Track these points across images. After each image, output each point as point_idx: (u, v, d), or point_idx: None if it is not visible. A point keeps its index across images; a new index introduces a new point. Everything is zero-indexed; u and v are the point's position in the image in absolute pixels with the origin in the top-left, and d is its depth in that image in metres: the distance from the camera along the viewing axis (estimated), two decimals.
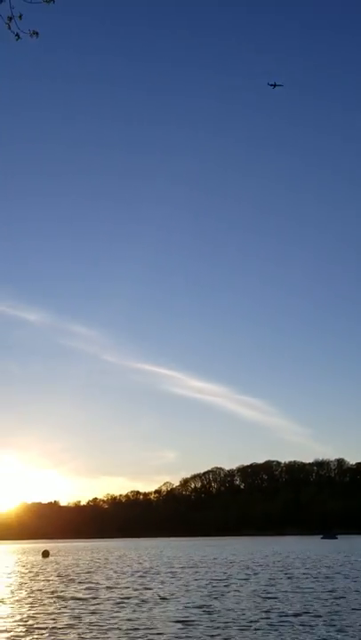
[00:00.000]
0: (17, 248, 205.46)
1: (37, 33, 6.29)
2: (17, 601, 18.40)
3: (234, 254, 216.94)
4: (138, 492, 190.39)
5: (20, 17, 6.20)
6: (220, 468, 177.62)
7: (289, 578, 24.14)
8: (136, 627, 12.63)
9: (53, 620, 13.93)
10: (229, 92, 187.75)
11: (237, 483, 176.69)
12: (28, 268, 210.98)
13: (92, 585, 22.83)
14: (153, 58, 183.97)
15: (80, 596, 19.02)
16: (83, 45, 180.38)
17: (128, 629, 12.31)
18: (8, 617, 14.77)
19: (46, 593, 20.31)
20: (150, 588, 20.61)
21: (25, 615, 14.94)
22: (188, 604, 16.05)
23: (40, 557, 53.11)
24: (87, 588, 21.45)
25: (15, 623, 13.65)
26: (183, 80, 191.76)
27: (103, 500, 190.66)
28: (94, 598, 18.11)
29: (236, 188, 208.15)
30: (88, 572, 30.34)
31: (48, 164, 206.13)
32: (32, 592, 20.92)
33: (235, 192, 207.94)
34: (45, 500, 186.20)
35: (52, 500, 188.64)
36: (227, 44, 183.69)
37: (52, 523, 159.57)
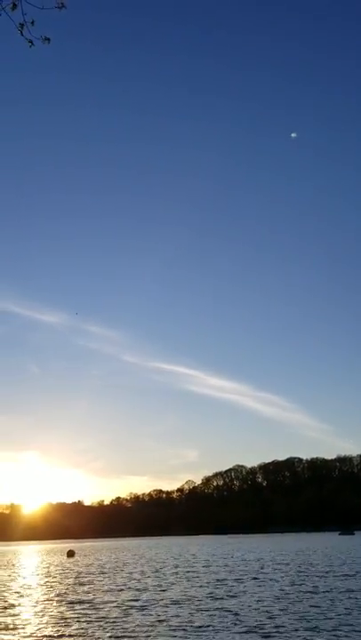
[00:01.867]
0: (33, 249, 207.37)
1: (49, 39, 6.31)
2: (44, 601, 18.56)
3: (253, 251, 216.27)
4: (160, 491, 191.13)
5: (33, 23, 6.22)
6: (242, 466, 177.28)
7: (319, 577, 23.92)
8: (174, 626, 12.63)
9: (81, 620, 14.02)
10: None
11: (259, 480, 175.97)
12: (46, 270, 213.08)
13: (119, 585, 22.90)
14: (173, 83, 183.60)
15: (105, 597, 19.10)
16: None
17: (156, 629, 12.33)
18: (38, 616, 14.90)
19: (71, 593, 20.44)
20: (173, 586, 20.64)
21: (52, 615, 15.06)
22: (206, 605, 15.98)
23: (65, 557, 53.55)
24: (111, 590, 21.51)
25: (45, 623, 13.77)
26: (196, 105, 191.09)
27: (126, 500, 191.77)
28: (119, 599, 18.19)
29: (258, 185, 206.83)
30: (114, 572, 30.48)
31: (63, 161, 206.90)
32: (58, 593, 21.07)
33: (257, 189, 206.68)
34: (69, 500, 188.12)
35: (76, 499, 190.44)
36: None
37: (77, 522, 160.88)
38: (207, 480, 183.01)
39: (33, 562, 49.68)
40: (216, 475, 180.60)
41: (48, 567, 39.07)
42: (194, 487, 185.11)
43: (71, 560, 48.07)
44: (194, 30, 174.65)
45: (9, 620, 14.72)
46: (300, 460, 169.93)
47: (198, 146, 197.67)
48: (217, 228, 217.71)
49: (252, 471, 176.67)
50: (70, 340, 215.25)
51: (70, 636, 11.97)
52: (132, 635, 11.90)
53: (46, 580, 27.75)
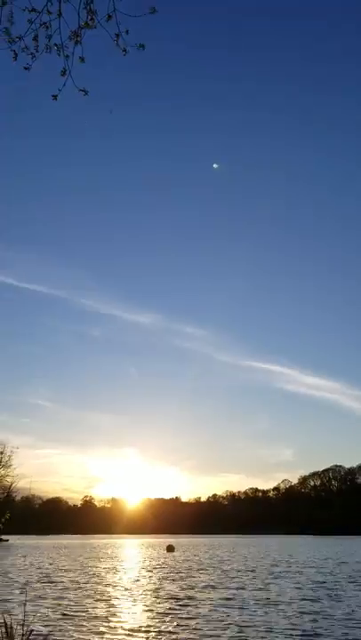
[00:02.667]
0: (128, 252, 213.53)
1: (144, 45, 6.45)
2: (145, 594, 19.11)
3: (343, 246, 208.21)
4: (256, 490, 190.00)
5: (127, 32, 6.37)
6: (340, 466, 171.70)
7: None
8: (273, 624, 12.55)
9: (181, 615, 14.30)
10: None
11: (359, 481, 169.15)
12: (138, 272, 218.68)
13: (218, 581, 23.06)
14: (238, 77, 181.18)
15: (207, 592, 19.31)
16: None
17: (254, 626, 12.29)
18: (137, 609, 15.40)
19: (172, 588, 20.87)
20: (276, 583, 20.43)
21: (151, 609, 15.49)
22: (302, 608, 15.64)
23: (165, 552, 54.73)
24: (212, 586, 21.68)
25: (143, 617, 14.19)
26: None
27: (222, 497, 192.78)
28: (221, 595, 18.32)
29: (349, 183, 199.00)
30: (215, 567, 30.72)
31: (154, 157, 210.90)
32: (160, 586, 21.60)
33: (349, 186, 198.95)
34: (167, 496, 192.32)
35: (173, 495, 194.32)
36: None
37: (174, 518, 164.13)
38: (304, 479, 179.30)
39: (134, 555, 51.32)
40: (313, 474, 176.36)
41: (149, 560, 40.18)
42: (290, 486, 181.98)
43: (171, 554, 49.02)
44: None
45: (111, 610, 15.31)
46: None
47: (288, 141, 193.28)
48: (308, 222, 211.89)
49: (351, 471, 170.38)
50: (165, 340, 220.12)
51: (169, 631, 12.21)
52: (231, 635, 11.91)
53: (149, 573, 28.53)
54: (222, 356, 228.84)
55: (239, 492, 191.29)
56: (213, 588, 20.53)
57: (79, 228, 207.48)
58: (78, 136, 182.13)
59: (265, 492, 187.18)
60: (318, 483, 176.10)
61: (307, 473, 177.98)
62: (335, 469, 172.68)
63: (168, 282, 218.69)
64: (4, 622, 7.46)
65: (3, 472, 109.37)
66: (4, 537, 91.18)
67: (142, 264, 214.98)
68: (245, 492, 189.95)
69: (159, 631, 12.10)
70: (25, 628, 7.70)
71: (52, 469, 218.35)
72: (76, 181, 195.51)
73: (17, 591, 19.64)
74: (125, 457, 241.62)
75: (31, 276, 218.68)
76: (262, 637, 11.32)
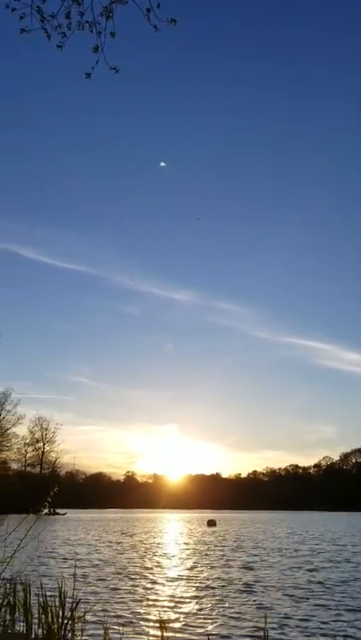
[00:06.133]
0: (164, 229, 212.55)
1: (175, 20, 6.31)
2: (191, 568, 19.52)
3: None
4: (297, 466, 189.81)
5: (159, 6, 6.26)
6: None
7: None
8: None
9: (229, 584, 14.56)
10: None
11: None
12: (177, 249, 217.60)
13: (265, 552, 23.33)
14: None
15: (251, 562, 19.59)
16: None
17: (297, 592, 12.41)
18: (179, 584, 15.76)
19: (224, 559, 21.23)
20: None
21: (195, 585, 15.81)
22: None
23: (206, 527, 55.61)
24: (257, 555, 21.95)
25: (185, 594, 14.50)
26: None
27: (262, 473, 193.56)
28: (266, 564, 18.57)
29: None
30: (255, 544, 31.07)
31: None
32: (205, 561, 22.00)
33: None
34: (207, 472, 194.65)
35: (213, 472, 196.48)
36: None
37: (215, 493, 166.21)
38: (345, 456, 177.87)
39: (177, 529, 52.41)
40: (355, 451, 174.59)
41: (191, 534, 40.96)
42: (331, 463, 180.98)
43: (212, 529, 49.79)
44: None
45: (155, 587, 15.70)
46: None
47: (338, 126, 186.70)
48: (351, 200, 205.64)
49: None
50: (203, 317, 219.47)
51: (211, 605, 12.41)
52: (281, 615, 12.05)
53: (194, 546, 29.08)
54: (261, 332, 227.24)
55: (280, 468, 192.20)
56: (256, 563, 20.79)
57: (116, 207, 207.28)
58: (110, 114, 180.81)
59: (305, 469, 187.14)
60: (360, 459, 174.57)
61: (348, 450, 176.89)
62: None
63: (204, 258, 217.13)
64: (59, 591, 7.80)
65: (48, 448, 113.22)
66: (60, 510, 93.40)
67: (178, 241, 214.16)
68: (286, 469, 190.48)
69: (204, 607, 12.38)
70: (74, 597, 8.03)
71: (95, 445, 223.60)
72: (112, 162, 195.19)
73: (68, 563, 20.44)
74: (165, 433, 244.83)
75: (69, 255, 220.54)
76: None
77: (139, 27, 6.25)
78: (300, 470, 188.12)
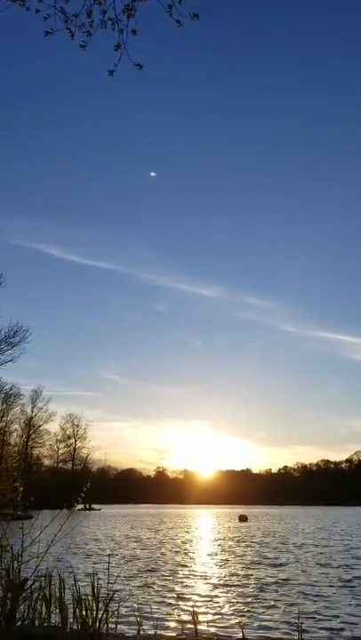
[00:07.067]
0: (188, 226, 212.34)
1: (197, 15, 6.28)
2: (223, 563, 19.55)
3: None
4: (328, 461, 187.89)
5: (181, 2, 6.24)
6: None
7: None
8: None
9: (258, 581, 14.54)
10: None
11: None
12: (205, 244, 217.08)
13: (296, 548, 23.21)
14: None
15: (283, 560, 19.51)
16: None
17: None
18: (210, 578, 15.79)
19: (253, 553, 21.22)
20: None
21: (222, 578, 15.82)
22: None
23: (237, 522, 55.57)
24: (289, 551, 21.86)
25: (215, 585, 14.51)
26: None
27: (293, 469, 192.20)
28: (298, 561, 18.49)
29: None
30: (291, 537, 30.91)
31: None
32: (237, 554, 22.01)
33: None
34: (238, 468, 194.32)
35: (243, 467, 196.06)
36: None
37: (245, 489, 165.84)
38: None
39: (208, 524, 52.52)
40: None
41: (225, 530, 40.99)
42: None
43: (244, 524, 49.72)
44: None
45: (188, 582, 15.76)
46: None
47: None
48: None
49: None
50: (231, 312, 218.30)
51: (241, 600, 12.40)
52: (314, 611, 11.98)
53: (227, 542, 29.11)
54: (290, 326, 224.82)
55: (310, 463, 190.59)
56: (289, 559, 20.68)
57: (143, 206, 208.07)
58: (132, 113, 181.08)
59: (337, 464, 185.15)
60: None
61: None
62: None
63: (232, 254, 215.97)
64: (92, 584, 7.92)
65: (79, 444, 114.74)
66: (96, 506, 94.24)
67: (204, 237, 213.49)
68: (317, 464, 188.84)
69: (237, 599, 12.39)
70: (109, 588, 8.14)
71: (125, 441, 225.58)
72: (137, 161, 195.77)
73: (105, 556, 20.72)
74: (195, 429, 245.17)
75: (97, 253, 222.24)
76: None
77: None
78: (332, 465, 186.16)
